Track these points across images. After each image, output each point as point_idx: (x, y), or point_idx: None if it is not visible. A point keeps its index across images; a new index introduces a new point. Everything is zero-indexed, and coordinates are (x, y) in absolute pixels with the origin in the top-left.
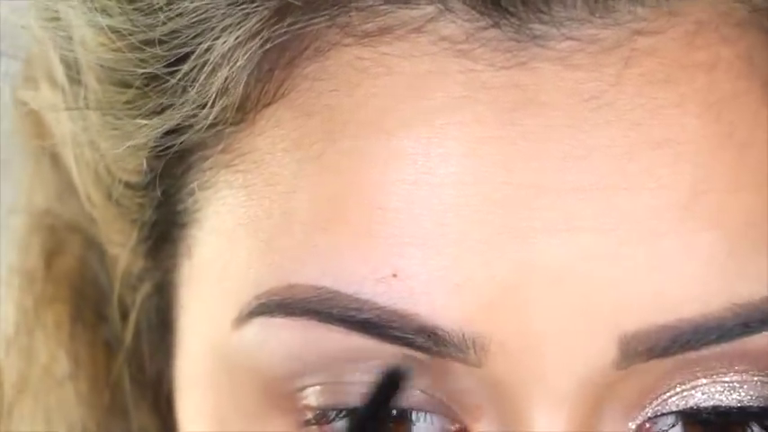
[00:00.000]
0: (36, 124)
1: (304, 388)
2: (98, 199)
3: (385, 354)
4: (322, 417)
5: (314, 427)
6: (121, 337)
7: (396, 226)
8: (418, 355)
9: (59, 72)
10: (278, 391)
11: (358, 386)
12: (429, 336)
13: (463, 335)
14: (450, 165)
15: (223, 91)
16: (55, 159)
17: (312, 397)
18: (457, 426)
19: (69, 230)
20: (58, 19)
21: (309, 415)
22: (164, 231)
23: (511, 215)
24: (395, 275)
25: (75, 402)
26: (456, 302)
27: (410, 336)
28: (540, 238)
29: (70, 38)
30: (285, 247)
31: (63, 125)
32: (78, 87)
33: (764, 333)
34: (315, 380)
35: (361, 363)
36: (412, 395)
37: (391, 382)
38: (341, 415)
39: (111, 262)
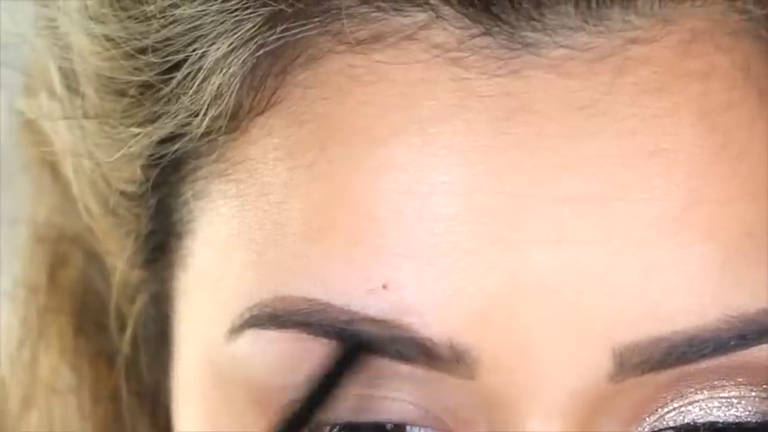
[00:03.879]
0: (35, 134)
1: (294, 400)
2: (96, 209)
3: (376, 366)
4: (315, 430)
5: None
6: (119, 348)
7: (386, 236)
8: (409, 367)
9: (57, 81)
10: (270, 403)
11: (351, 400)
12: (419, 348)
13: (452, 347)
14: (441, 174)
15: (216, 99)
16: (55, 170)
17: None
18: None
19: (71, 243)
20: (55, 27)
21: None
22: (160, 242)
23: (502, 225)
24: (385, 287)
25: (77, 416)
26: (446, 314)
27: (400, 348)
28: (532, 249)
29: (67, 47)
30: (277, 258)
31: (61, 134)
32: (76, 96)
33: (762, 346)
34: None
35: (352, 376)
36: (406, 409)
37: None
38: (335, 430)
39: (110, 273)
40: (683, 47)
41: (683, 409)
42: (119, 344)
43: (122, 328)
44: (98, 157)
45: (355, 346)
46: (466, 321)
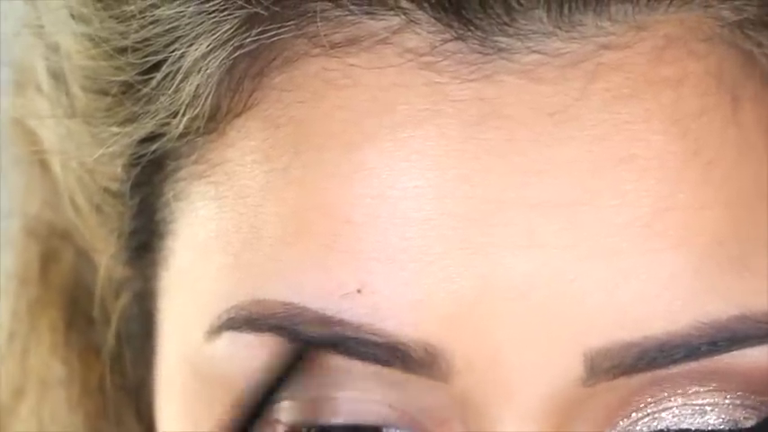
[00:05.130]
0: (24, 131)
1: (275, 402)
2: (82, 205)
3: (353, 370)
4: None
5: None
6: (104, 343)
7: (360, 240)
8: (385, 370)
9: (44, 80)
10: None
11: (329, 402)
12: (393, 352)
13: (426, 350)
14: (414, 178)
15: (194, 99)
16: (44, 167)
17: (283, 412)
18: None
19: (61, 238)
20: (41, 26)
21: (281, 430)
22: (143, 241)
23: (472, 230)
24: (359, 291)
25: (67, 409)
26: (418, 318)
27: (375, 352)
28: (502, 254)
29: (54, 46)
30: (253, 261)
31: (49, 132)
32: (62, 95)
33: (733, 352)
34: (285, 394)
35: (329, 378)
36: (383, 410)
37: None
38: (312, 431)
39: (97, 269)
40: (656, 53)
41: (656, 415)
42: (104, 339)
43: (107, 323)
44: (83, 155)
45: (301, 345)
46: (438, 325)
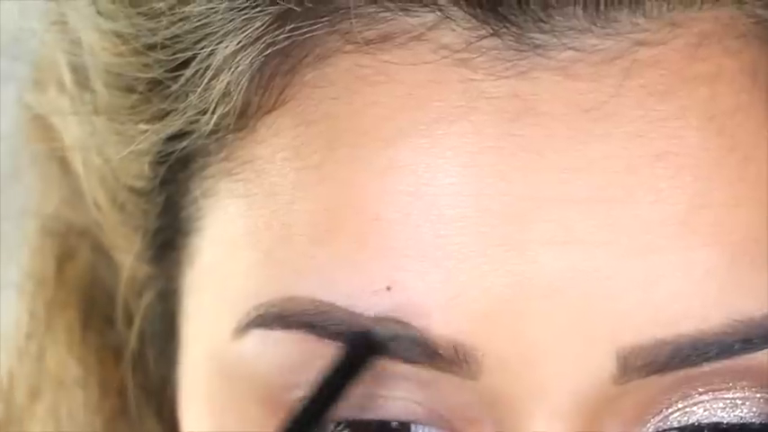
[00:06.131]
0: (43, 128)
1: (302, 399)
2: (104, 204)
3: (382, 366)
4: (320, 427)
5: None
6: (126, 343)
7: (393, 237)
8: (414, 368)
9: (67, 76)
10: (276, 402)
11: (357, 399)
12: (423, 349)
13: (455, 348)
14: (449, 175)
15: (224, 97)
16: (63, 164)
17: None
18: None
19: (79, 236)
20: (65, 23)
21: None
22: (167, 239)
23: (508, 227)
24: (389, 288)
25: (84, 409)
26: (451, 316)
27: (404, 349)
28: (538, 251)
29: (77, 42)
30: (284, 258)
31: (71, 129)
32: (85, 92)
33: (766, 350)
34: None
35: (359, 377)
36: (411, 408)
37: (356, 356)
38: (340, 427)
39: (118, 267)
40: (691, 50)
41: (687, 409)
42: (126, 339)
43: (130, 322)
44: (107, 152)
45: (364, 348)
46: (471, 323)
